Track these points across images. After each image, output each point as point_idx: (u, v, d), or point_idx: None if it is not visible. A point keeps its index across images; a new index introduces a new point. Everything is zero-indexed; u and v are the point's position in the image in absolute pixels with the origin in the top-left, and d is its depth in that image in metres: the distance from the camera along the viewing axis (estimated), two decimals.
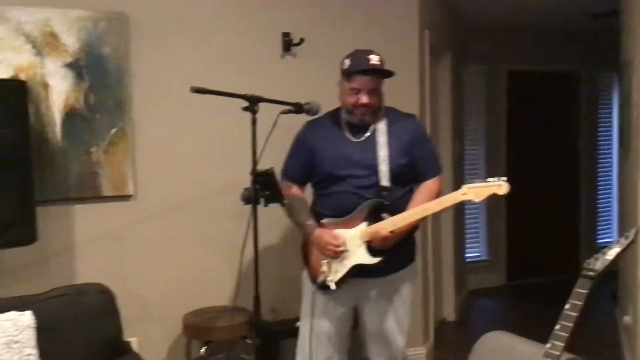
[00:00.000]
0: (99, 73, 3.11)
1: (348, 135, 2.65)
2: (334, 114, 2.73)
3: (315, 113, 2.66)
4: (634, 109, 3.60)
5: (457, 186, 5.02)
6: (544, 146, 6.23)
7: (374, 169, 2.57)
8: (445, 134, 4.90)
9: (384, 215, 2.52)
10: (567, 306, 1.71)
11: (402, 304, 2.74)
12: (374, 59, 2.59)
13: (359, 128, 2.65)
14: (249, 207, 2.43)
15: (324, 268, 2.59)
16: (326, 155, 2.64)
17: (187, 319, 3.16)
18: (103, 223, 3.19)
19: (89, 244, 3.15)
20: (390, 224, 2.48)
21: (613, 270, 4.62)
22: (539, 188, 6.23)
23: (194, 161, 3.32)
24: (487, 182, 2.36)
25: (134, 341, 3.22)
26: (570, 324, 1.68)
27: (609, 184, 6.61)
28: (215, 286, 3.35)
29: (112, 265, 3.18)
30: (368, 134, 2.63)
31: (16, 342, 2.18)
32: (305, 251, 2.74)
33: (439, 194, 2.64)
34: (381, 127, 2.63)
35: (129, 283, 3.20)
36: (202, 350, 3.14)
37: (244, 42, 3.43)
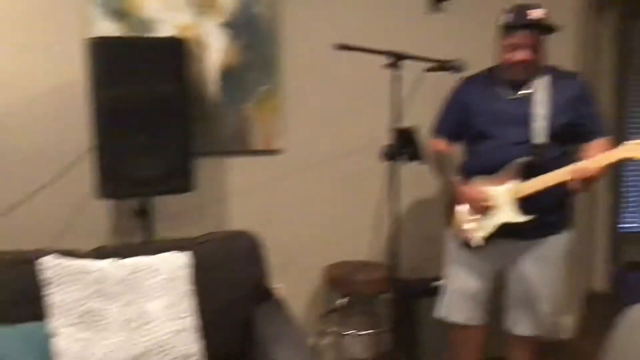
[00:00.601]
0: (252, 32, 3.24)
1: (504, 92, 2.57)
2: (491, 71, 2.66)
3: (461, 71, 2.60)
4: None
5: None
6: None
7: (528, 127, 2.48)
8: (606, 95, 4.57)
9: (536, 173, 2.43)
10: None
11: (552, 271, 2.63)
12: (534, 14, 2.47)
13: (516, 85, 2.55)
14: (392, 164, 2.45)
15: (470, 225, 2.55)
16: (479, 110, 2.59)
17: (329, 270, 3.28)
18: (253, 175, 3.36)
19: (240, 194, 3.34)
20: (541, 182, 2.39)
21: None
22: None
23: (340, 118, 3.39)
24: None
25: (280, 287, 3.42)
26: None
27: None
28: (356, 241, 3.43)
29: (260, 215, 3.36)
30: (526, 91, 2.54)
31: (174, 279, 2.40)
32: (451, 207, 2.71)
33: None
34: (541, 84, 2.52)
35: (275, 233, 3.34)
36: (341, 301, 3.25)
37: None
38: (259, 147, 3.33)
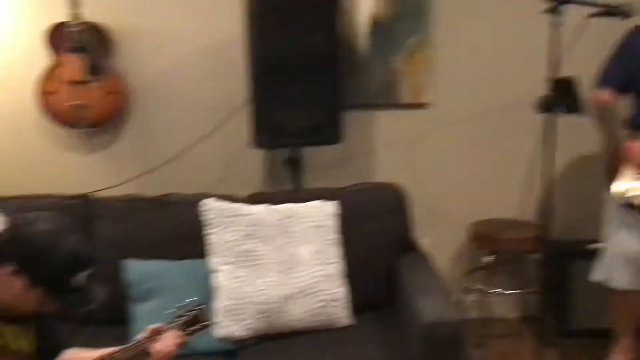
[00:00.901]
0: None
1: None
2: None
3: (630, 16, 2.40)
4: None
5: None
6: None
7: None
8: None
9: None
10: None
11: None
12: None
13: None
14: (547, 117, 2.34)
15: (635, 184, 2.40)
16: None
17: (475, 227, 3.23)
18: (401, 129, 3.35)
19: (388, 147, 3.35)
20: None
21: None
22: None
23: (493, 69, 3.25)
24: None
25: (425, 241, 3.42)
26: None
27: None
28: (506, 197, 3.32)
29: (407, 168, 3.35)
30: None
31: (322, 226, 2.49)
32: (614, 164, 2.54)
33: None
34: None
35: (422, 186, 3.32)
36: (487, 259, 3.19)
37: None
38: (408, 100, 3.31)
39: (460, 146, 3.35)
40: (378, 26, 3.23)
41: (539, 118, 2.56)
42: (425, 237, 3.28)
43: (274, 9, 2.77)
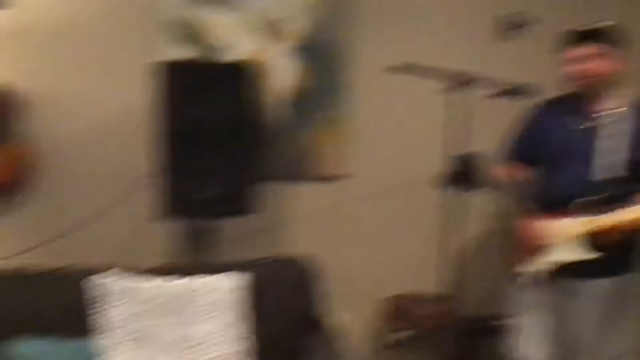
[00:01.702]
0: (325, 56, 3.23)
1: (578, 120, 2.42)
2: (567, 96, 2.52)
3: (532, 97, 2.47)
4: None
5: None
6: None
7: (600, 159, 2.32)
8: None
9: (605, 209, 2.26)
10: None
11: (628, 317, 2.42)
12: (594, 25, 2.37)
13: (592, 114, 2.41)
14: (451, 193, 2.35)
15: (532, 260, 2.42)
16: (550, 139, 2.46)
17: (390, 301, 3.18)
18: (318, 201, 3.32)
19: (306, 219, 3.30)
20: (609, 220, 2.21)
21: None
22: None
23: (409, 144, 3.31)
24: None
25: (343, 317, 3.34)
26: None
27: None
28: (422, 272, 3.30)
29: (325, 240, 3.29)
30: (600, 121, 2.38)
31: (223, 302, 2.38)
32: (516, 238, 2.56)
33: None
34: (615, 115, 2.36)
35: (339, 259, 3.28)
36: (401, 334, 3.12)
37: (464, 24, 3.31)
38: (325, 172, 3.30)
39: (376, 219, 3.34)
40: (298, 98, 3.25)
41: (447, 192, 2.58)
42: (342, 313, 3.22)
43: (186, 79, 2.74)
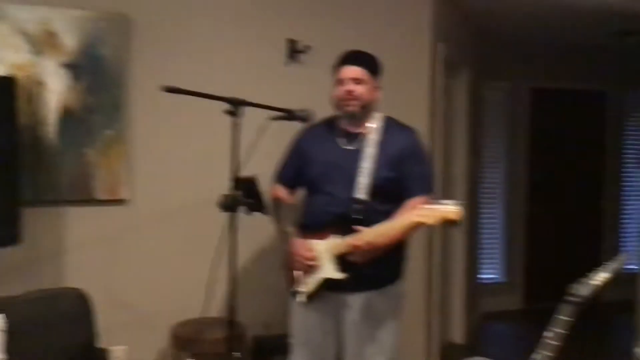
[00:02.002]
0: (97, 74, 3.07)
1: (340, 142, 2.56)
2: (332, 120, 2.64)
3: (307, 121, 2.57)
4: None
5: (470, 204, 4.93)
6: (567, 166, 6.03)
7: (354, 181, 2.46)
8: (460, 150, 4.75)
9: (358, 229, 2.37)
10: (548, 334, 1.57)
11: (382, 326, 2.57)
12: (359, 50, 2.57)
13: (352, 136, 2.55)
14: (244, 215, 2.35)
15: (298, 279, 2.52)
16: (314, 160, 2.57)
17: (176, 329, 3.08)
18: (95, 227, 3.13)
19: (80, 247, 3.09)
20: (358, 239, 2.35)
21: (630, 300, 4.43)
22: (560, 208, 6.04)
23: (189, 166, 3.25)
24: (443, 205, 2.22)
25: (122, 349, 3.16)
26: (551, 354, 1.54)
27: (636, 207, 6.35)
28: (210, 296, 3.24)
29: (102, 270, 3.12)
30: (359, 143, 2.53)
31: None
32: (286, 257, 2.65)
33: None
34: (373, 137, 2.53)
35: (119, 289, 3.15)
36: None
37: (248, 48, 3.36)
38: (103, 196, 3.11)
39: (159, 244, 3.23)
40: (69, 117, 3.04)
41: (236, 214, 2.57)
42: (124, 345, 3.06)
43: None
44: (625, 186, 6.38)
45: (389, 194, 2.49)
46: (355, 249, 2.35)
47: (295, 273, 2.53)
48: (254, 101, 2.40)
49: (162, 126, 3.20)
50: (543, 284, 5.93)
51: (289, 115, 2.50)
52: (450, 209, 2.19)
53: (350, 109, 2.50)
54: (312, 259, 2.45)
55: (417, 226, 2.33)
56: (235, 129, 2.22)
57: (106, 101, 3.09)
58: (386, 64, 3.56)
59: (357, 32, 3.54)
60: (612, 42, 5.41)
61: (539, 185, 5.94)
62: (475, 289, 5.37)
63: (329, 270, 2.45)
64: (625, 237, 6.39)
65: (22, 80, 2.89)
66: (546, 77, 5.83)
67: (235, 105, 2.22)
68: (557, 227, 6.03)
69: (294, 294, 2.55)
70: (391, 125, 2.59)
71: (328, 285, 2.47)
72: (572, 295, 1.59)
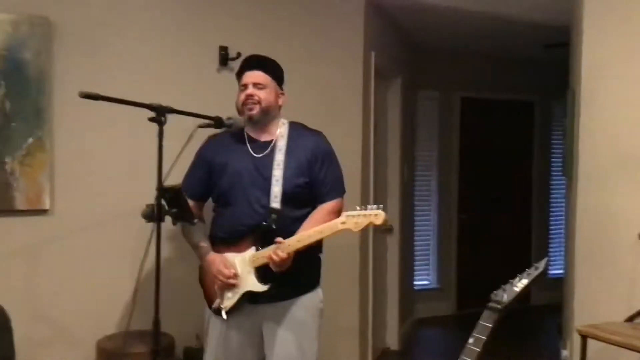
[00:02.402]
0: (18, 79, 2.94)
1: (249, 150, 2.52)
2: (239, 130, 2.59)
3: (237, 129, 2.54)
4: (575, 137, 3.56)
5: (404, 212, 5.00)
6: (497, 174, 6.21)
7: (267, 189, 2.44)
8: (394, 159, 4.81)
9: (277, 239, 2.35)
10: (470, 340, 1.59)
11: (305, 333, 2.56)
12: (261, 55, 2.59)
13: (261, 144, 2.53)
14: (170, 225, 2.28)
15: (217, 294, 2.47)
16: (224, 171, 2.51)
17: (101, 343, 2.98)
18: (15, 238, 2.99)
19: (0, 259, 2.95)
20: (281, 250, 2.32)
21: (558, 303, 4.59)
22: (491, 216, 6.21)
23: (114, 175, 3.14)
24: (365, 211, 2.25)
25: None
26: None
27: (562, 214, 6.59)
28: (138, 308, 3.16)
29: (22, 283, 2.99)
30: (268, 150, 2.51)
31: None
32: (201, 274, 2.60)
33: (337, 214, 2.46)
34: (281, 143, 2.51)
35: (41, 303, 3.02)
36: None
37: (178, 54, 3.30)
38: (23, 206, 2.98)
39: (84, 255, 3.11)
40: None
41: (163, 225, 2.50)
42: None
43: None
44: (552, 193, 6.61)
45: (302, 200, 2.50)
46: (278, 261, 2.33)
47: (215, 289, 2.48)
48: (185, 109, 2.36)
49: (85, 133, 3.09)
50: (475, 290, 6.04)
51: (217, 122, 2.47)
52: (373, 213, 2.21)
53: (252, 113, 2.48)
54: (232, 275, 2.41)
55: (338, 234, 2.32)
56: (160, 137, 2.16)
57: (27, 107, 2.96)
58: (319, 73, 3.62)
59: (289, 39, 3.54)
60: (539, 53, 5.61)
61: (470, 192, 6.08)
62: (409, 295, 5.43)
63: (251, 283, 2.41)
64: (552, 242, 6.63)
65: None
66: (476, 87, 5.99)
67: (160, 113, 2.17)
68: (488, 234, 6.19)
69: (215, 311, 2.49)
70: (298, 130, 2.59)
71: (251, 297, 2.44)
72: (493, 301, 1.62)
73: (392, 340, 4.87)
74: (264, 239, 2.39)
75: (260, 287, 2.40)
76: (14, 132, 2.94)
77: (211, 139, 2.61)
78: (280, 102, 2.58)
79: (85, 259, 3.11)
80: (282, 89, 2.61)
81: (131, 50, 3.20)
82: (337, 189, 2.57)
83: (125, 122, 3.02)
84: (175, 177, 2.34)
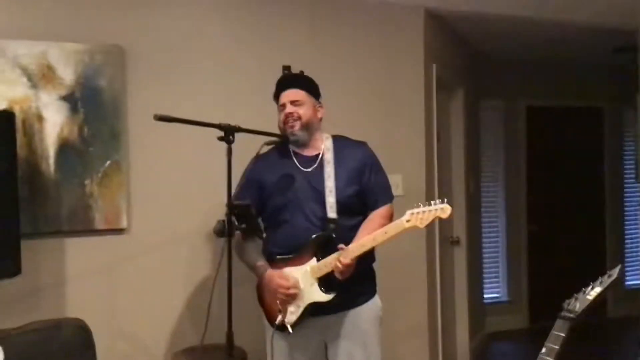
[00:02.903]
0: (94, 105, 3.10)
1: (297, 166, 2.58)
2: (284, 148, 2.65)
3: (302, 145, 2.59)
4: None
5: (471, 224, 4.94)
6: (567, 183, 6.04)
7: (321, 201, 2.49)
8: (459, 171, 4.77)
9: (340, 246, 2.39)
10: (543, 350, 1.57)
11: (368, 342, 2.58)
12: (296, 73, 2.70)
13: (307, 159, 2.58)
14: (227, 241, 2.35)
15: (280, 311, 2.49)
16: (275, 187, 2.56)
17: (177, 357, 3.06)
18: (95, 257, 3.13)
19: (80, 278, 3.09)
20: (345, 257, 2.35)
21: (637, 315, 4.41)
22: (561, 226, 6.03)
23: (187, 195, 3.25)
24: (429, 206, 2.25)
25: None
26: None
27: (637, 222, 6.34)
28: (209, 324, 3.24)
29: (103, 300, 3.11)
30: (316, 164, 2.56)
31: None
32: (260, 293, 2.64)
33: (390, 218, 2.52)
34: (328, 156, 2.57)
35: (119, 319, 3.14)
36: None
37: (243, 75, 3.40)
38: (102, 226, 3.12)
39: (160, 273, 3.22)
40: (68, 148, 3.06)
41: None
42: None
43: None
44: (625, 201, 6.38)
45: (355, 209, 2.54)
46: (343, 268, 2.35)
47: (277, 305, 2.50)
48: (252, 127, 2.43)
49: (158, 155, 3.22)
50: (547, 302, 5.85)
51: (283, 139, 2.53)
52: (439, 207, 2.22)
53: (295, 129, 2.55)
54: (292, 287, 2.44)
55: (403, 232, 2.33)
56: (229, 155, 2.23)
57: (104, 132, 3.11)
58: (381, 87, 3.64)
59: (350, 56, 3.59)
60: (606, 58, 5.46)
61: (539, 202, 5.95)
62: (479, 308, 5.35)
63: (314, 294, 2.44)
64: (628, 251, 6.38)
65: (21, 113, 2.92)
66: (542, 95, 5.87)
67: (228, 132, 2.24)
68: (559, 244, 6.02)
69: (279, 328, 2.51)
70: (342, 142, 2.65)
71: (312, 310, 2.46)
72: (566, 310, 1.60)
73: (463, 356, 4.79)
74: (324, 249, 2.43)
75: (325, 297, 2.42)
76: (92, 156, 3.10)
77: (258, 159, 2.60)
78: (319, 115, 2.65)
79: (160, 276, 3.22)
80: (319, 102, 2.67)
81: (199, 73, 3.32)
82: (387, 195, 2.63)
83: (195, 143, 3.12)
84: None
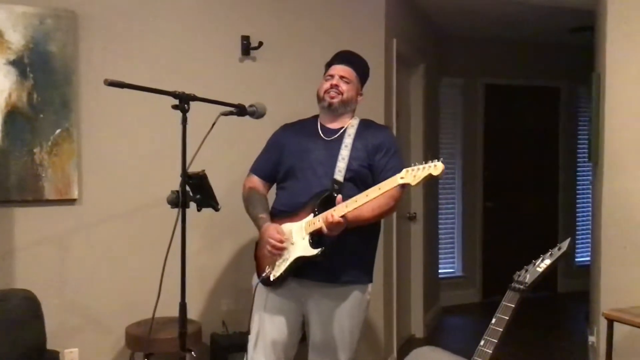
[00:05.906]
0: (45, 71, 3.00)
1: (320, 134, 2.64)
2: (312, 119, 2.74)
3: (260, 116, 2.55)
4: (600, 122, 3.51)
5: (428, 200, 4.98)
6: (522, 161, 6.15)
7: (332, 166, 2.53)
8: (417, 147, 4.79)
9: (338, 198, 2.39)
10: (493, 320, 1.59)
11: (349, 319, 2.59)
12: (354, 52, 2.74)
13: (332, 130, 2.65)
14: (197, 212, 2.31)
15: (270, 263, 2.51)
16: (291, 149, 2.63)
17: (130, 329, 3.03)
18: (45, 228, 3.05)
19: (30, 248, 3.02)
20: (336, 213, 2.35)
21: (586, 291, 4.55)
22: (516, 203, 6.15)
23: (141, 164, 3.20)
24: (423, 164, 2.25)
25: (74, 352, 3.10)
26: (496, 340, 1.56)
27: (588, 201, 6.51)
28: (163, 295, 3.20)
29: (53, 271, 3.05)
30: (337, 135, 2.62)
31: None
32: (256, 249, 2.65)
33: (394, 198, 2.51)
34: (351, 130, 2.63)
35: (71, 291, 3.09)
36: None
37: (200, 44, 3.34)
38: (52, 196, 3.04)
39: (112, 243, 3.18)
40: (16, 116, 2.96)
41: (190, 212, 2.51)
42: (75, 347, 3.01)
43: None
44: (578, 180, 6.53)
45: (363, 180, 2.55)
46: (333, 223, 2.34)
47: (267, 258, 2.51)
48: (208, 97, 2.38)
49: (111, 123, 3.15)
50: (500, 278, 5.97)
51: (239, 110, 2.48)
52: (432, 164, 2.21)
53: (333, 100, 2.61)
54: (283, 240, 2.45)
55: (396, 193, 2.39)
56: (184, 124, 2.18)
57: (55, 99, 3.02)
58: None
59: (311, 28, 3.55)
60: (564, 38, 5.53)
61: (495, 180, 6.04)
62: (434, 283, 5.43)
63: (303, 249, 2.43)
64: (579, 229, 6.55)
65: None
66: (500, 74, 5.93)
67: (184, 100, 2.19)
68: (514, 222, 6.14)
69: (264, 280, 2.52)
70: (367, 123, 2.72)
71: (302, 269, 2.46)
72: (516, 281, 1.62)
73: (417, 328, 4.87)
74: (324, 206, 2.43)
75: (312, 251, 2.41)
76: (42, 123, 3.00)
77: (286, 126, 2.76)
78: (358, 100, 2.71)
79: (113, 247, 3.17)
80: (362, 88, 2.73)
81: (155, 41, 3.24)
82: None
83: (149, 111, 3.06)
84: (199, 164, 2.36)
